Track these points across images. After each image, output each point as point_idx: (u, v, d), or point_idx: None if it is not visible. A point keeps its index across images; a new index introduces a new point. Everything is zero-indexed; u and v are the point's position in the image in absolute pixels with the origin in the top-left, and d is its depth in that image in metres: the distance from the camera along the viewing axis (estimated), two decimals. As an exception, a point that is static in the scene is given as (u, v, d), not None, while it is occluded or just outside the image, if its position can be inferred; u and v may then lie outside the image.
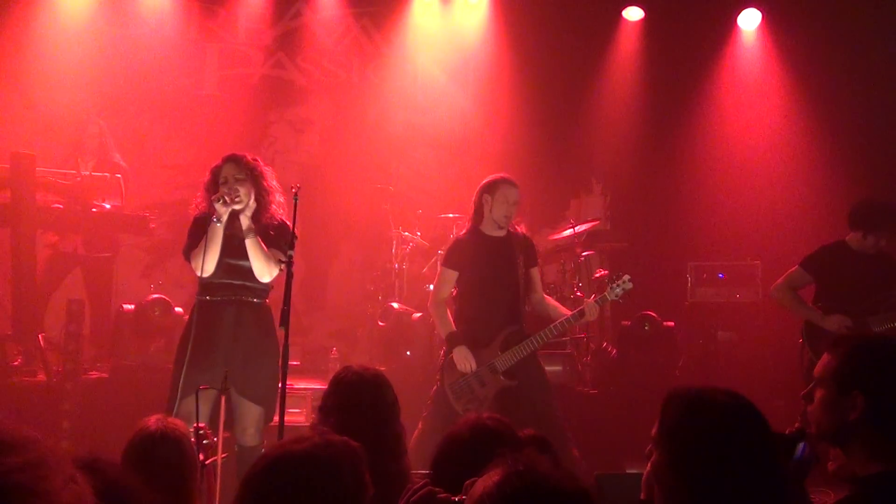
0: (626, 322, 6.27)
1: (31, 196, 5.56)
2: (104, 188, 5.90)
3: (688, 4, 7.50)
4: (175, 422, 2.77)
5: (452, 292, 4.67)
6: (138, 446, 2.59)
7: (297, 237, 3.78)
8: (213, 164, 4.00)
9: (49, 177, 5.80)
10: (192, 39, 7.23)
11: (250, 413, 3.86)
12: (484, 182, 4.56)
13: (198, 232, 3.91)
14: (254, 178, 3.93)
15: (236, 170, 3.92)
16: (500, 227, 4.54)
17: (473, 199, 4.57)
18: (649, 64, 7.58)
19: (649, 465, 1.96)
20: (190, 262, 3.91)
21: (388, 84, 7.58)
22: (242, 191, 3.88)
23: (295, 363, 5.51)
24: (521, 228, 4.69)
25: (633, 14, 7.55)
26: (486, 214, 4.51)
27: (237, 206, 3.85)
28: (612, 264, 6.96)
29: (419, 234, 6.56)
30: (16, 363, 5.54)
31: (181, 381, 3.70)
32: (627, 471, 4.49)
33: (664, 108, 7.56)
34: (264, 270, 3.90)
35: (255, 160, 4.02)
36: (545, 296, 4.77)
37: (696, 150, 7.50)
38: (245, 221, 3.87)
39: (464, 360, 4.42)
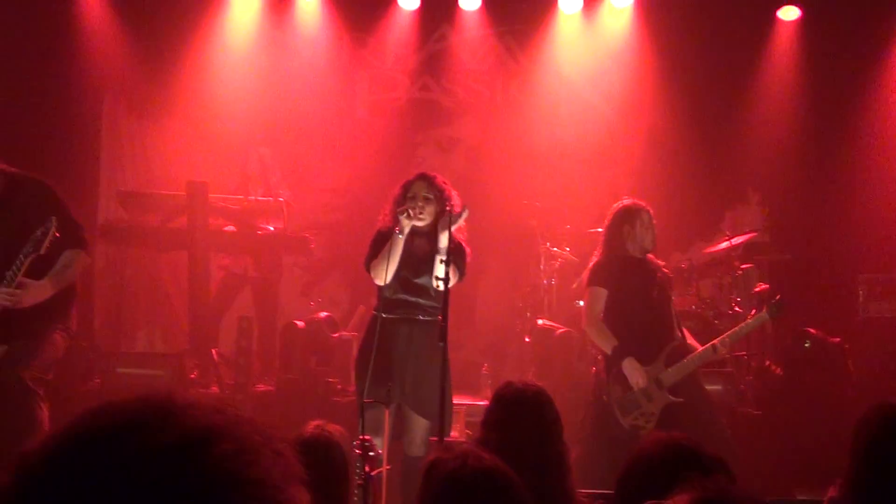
0: (786, 339, 5.97)
1: (205, 221, 5.99)
2: (269, 212, 6.28)
3: (849, 1, 7.05)
4: (333, 428, 2.87)
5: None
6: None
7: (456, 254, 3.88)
8: (406, 179, 4.13)
9: (220, 202, 6.22)
10: (344, 68, 7.56)
11: (420, 426, 3.98)
12: (617, 211, 4.62)
13: (379, 243, 4.03)
14: (441, 201, 4.02)
15: (426, 188, 4.04)
16: (645, 251, 4.60)
17: (607, 226, 4.64)
18: (808, 65, 7.17)
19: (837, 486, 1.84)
20: (369, 271, 4.04)
21: (533, 100, 7.60)
22: (427, 210, 3.99)
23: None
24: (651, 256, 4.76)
25: (789, 14, 7.18)
26: (626, 242, 4.56)
27: (419, 223, 3.98)
28: (773, 278, 6.61)
29: (568, 249, 6.51)
30: (192, 376, 5.92)
31: (364, 397, 3.82)
32: (798, 497, 4.25)
33: (826, 111, 7.11)
34: (455, 279, 3.92)
35: (445, 183, 4.11)
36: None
37: (863, 153, 7.00)
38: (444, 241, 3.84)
39: (635, 372, 4.38)
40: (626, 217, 4.57)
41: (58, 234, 3.74)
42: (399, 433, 3.97)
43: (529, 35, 7.44)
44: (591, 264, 4.71)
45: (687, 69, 7.24)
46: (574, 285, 6.36)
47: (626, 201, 4.67)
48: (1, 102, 6.51)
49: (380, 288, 4.05)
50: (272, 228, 6.30)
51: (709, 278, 6.50)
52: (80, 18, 6.87)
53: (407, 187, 4.08)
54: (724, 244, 6.38)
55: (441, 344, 3.60)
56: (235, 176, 6.64)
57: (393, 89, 7.73)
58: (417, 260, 4.01)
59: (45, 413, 3.98)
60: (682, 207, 6.99)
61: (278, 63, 7.41)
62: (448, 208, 3.91)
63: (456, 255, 3.94)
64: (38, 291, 3.85)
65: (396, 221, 3.91)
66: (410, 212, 3.90)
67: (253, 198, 6.29)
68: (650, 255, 4.68)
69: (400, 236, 3.89)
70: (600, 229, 6.28)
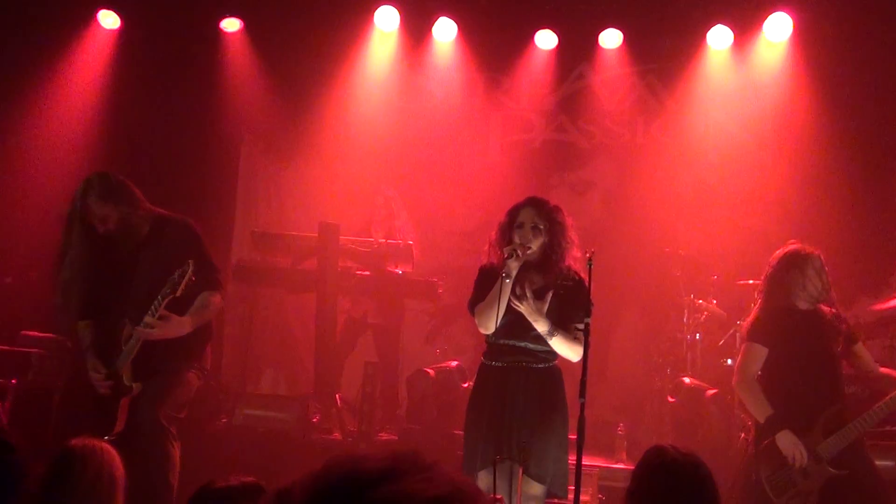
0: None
1: (335, 263, 5.95)
2: (398, 255, 6.16)
3: None
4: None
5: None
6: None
7: (593, 304, 3.52)
8: (513, 205, 3.71)
9: (350, 244, 6.16)
10: (478, 109, 7.45)
11: (530, 489, 3.59)
12: (783, 256, 4.17)
13: (484, 284, 3.64)
14: (552, 228, 3.63)
15: (535, 216, 3.63)
16: (816, 301, 4.12)
17: (770, 273, 4.19)
18: None
19: None
20: (474, 316, 3.66)
21: (675, 141, 7.17)
22: (536, 242, 3.59)
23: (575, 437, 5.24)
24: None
25: (972, 45, 6.46)
26: (793, 291, 4.10)
27: (528, 257, 3.58)
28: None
29: (715, 301, 6.01)
30: (314, 420, 5.84)
31: (478, 455, 3.57)
32: None
33: None
34: (571, 355, 3.57)
35: (557, 207, 3.72)
36: (881, 367, 4.32)
37: None
38: (543, 326, 3.51)
39: (792, 446, 3.90)
40: (795, 263, 4.12)
41: (194, 278, 3.79)
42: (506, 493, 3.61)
43: (674, 72, 7.04)
44: (751, 316, 4.25)
45: (850, 108, 6.63)
46: (721, 341, 5.87)
47: (793, 245, 4.22)
48: (149, 145, 6.81)
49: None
50: (400, 272, 6.17)
51: (876, 339, 5.84)
52: (223, 65, 7.12)
53: (514, 214, 3.65)
54: (895, 301, 5.72)
55: (581, 400, 3.27)
56: (361, 218, 6.60)
57: (527, 131, 7.53)
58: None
59: (177, 451, 3.98)
60: (843, 259, 6.32)
61: (412, 105, 7.39)
62: (588, 255, 3.50)
63: (573, 300, 3.53)
64: (178, 326, 3.89)
65: (502, 259, 3.49)
66: (518, 252, 3.46)
67: (382, 240, 6.20)
68: (823, 306, 4.19)
69: (508, 281, 3.45)
70: (751, 281, 5.80)
